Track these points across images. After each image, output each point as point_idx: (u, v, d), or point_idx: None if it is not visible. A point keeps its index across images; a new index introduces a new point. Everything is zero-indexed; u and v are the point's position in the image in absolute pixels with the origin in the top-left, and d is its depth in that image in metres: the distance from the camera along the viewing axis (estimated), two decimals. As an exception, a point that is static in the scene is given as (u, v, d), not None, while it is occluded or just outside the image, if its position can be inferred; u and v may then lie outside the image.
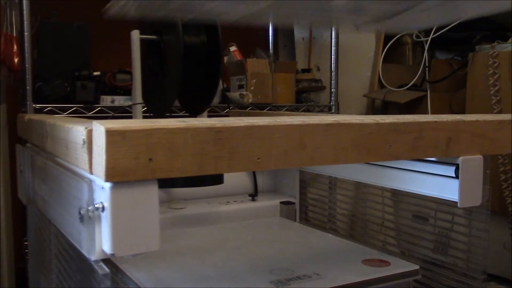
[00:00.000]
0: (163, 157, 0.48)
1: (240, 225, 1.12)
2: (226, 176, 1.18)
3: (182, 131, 0.48)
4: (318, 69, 1.91)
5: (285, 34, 2.04)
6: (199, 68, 1.25)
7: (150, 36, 1.23)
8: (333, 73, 1.68)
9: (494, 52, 1.44)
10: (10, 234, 1.28)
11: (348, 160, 0.59)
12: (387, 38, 1.82)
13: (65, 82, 1.33)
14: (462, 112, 1.56)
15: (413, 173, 0.81)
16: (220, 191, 1.25)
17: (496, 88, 1.44)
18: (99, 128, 0.47)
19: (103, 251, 0.49)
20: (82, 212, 0.51)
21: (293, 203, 1.23)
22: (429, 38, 1.69)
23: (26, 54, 1.20)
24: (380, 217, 1.10)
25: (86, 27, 1.53)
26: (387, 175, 0.86)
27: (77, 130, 0.53)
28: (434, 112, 1.64)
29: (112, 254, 0.48)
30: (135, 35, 1.18)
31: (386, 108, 1.81)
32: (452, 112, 1.67)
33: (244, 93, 1.47)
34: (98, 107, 1.38)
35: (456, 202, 0.72)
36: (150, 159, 0.47)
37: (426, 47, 1.71)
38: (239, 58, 1.66)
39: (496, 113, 1.42)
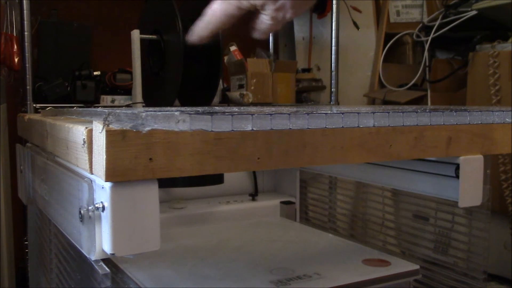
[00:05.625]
0: (163, 157, 0.48)
1: (240, 225, 1.12)
2: (226, 176, 1.18)
3: (182, 130, 0.48)
4: (319, 69, 1.91)
5: (285, 34, 2.04)
6: (199, 67, 1.25)
7: (151, 36, 1.23)
8: (333, 73, 1.68)
9: (495, 51, 1.44)
10: (10, 234, 1.28)
11: (348, 160, 0.59)
12: (388, 37, 1.82)
13: (65, 82, 1.33)
14: (462, 111, 1.55)
15: (413, 173, 0.81)
16: (220, 191, 1.25)
17: (497, 87, 1.43)
18: (99, 128, 0.47)
19: (103, 251, 0.49)
20: (82, 212, 0.51)
21: (293, 203, 1.23)
22: (430, 38, 1.69)
23: (26, 54, 1.20)
24: (380, 216, 1.10)
25: (86, 27, 1.53)
26: (387, 174, 0.86)
27: (78, 130, 0.53)
28: (434, 111, 1.64)
29: (112, 254, 0.48)
30: (135, 34, 1.18)
31: (386, 107, 1.81)
32: (452, 111, 1.66)
33: (244, 92, 1.47)
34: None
35: (456, 202, 0.72)
36: (150, 159, 0.47)
37: (427, 47, 1.71)
38: (239, 58, 1.66)
39: (496, 112, 1.42)
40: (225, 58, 1.67)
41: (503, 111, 0.71)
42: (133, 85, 1.23)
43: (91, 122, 0.51)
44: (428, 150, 0.66)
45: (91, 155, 0.50)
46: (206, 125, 0.47)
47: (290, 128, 0.53)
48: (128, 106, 1.40)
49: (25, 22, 1.19)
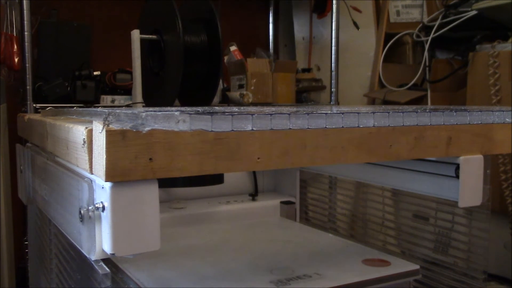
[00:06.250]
0: (163, 157, 0.48)
1: (240, 225, 1.12)
2: (226, 176, 1.18)
3: (182, 130, 0.48)
4: (318, 69, 1.91)
5: (285, 34, 2.04)
6: (199, 67, 1.25)
7: (151, 36, 1.23)
8: (333, 73, 1.68)
9: (495, 51, 1.44)
10: (10, 234, 1.28)
11: (348, 160, 0.59)
12: (388, 37, 1.82)
13: (65, 82, 1.33)
14: (462, 111, 1.55)
15: (413, 173, 0.81)
16: (220, 191, 1.25)
17: (497, 87, 1.43)
18: (99, 128, 0.47)
19: (103, 251, 0.49)
20: (82, 212, 0.51)
21: (293, 203, 1.23)
22: (430, 38, 1.69)
23: (26, 54, 1.20)
24: (380, 216, 1.10)
25: (86, 27, 1.53)
26: (387, 174, 0.86)
27: (78, 130, 0.53)
28: (434, 111, 1.64)
29: (113, 254, 0.48)
30: (135, 34, 1.18)
31: (386, 107, 1.80)
32: (452, 111, 1.66)
33: (244, 92, 1.47)
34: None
35: (456, 202, 0.72)
36: (150, 159, 0.47)
37: (427, 47, 1.71)
38: (239, 58, 1.66)
39: (496, 112, 1.42)
40: (225, 58, 1.67)
41: (503, 111, 0.71)
42: (133, 85, 1.23)
43: (91, 122, 0.51)
44: (428, 150, 0.66)
45: (91, 155, 0.50)
46: (206, 125, 0.47)
47: (290, 128, 0.53)
48: (128, 106, 1.40)
49: (25, 22, 1.19)
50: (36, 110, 1.23)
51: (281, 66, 1.61)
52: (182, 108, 0.67)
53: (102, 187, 0.48)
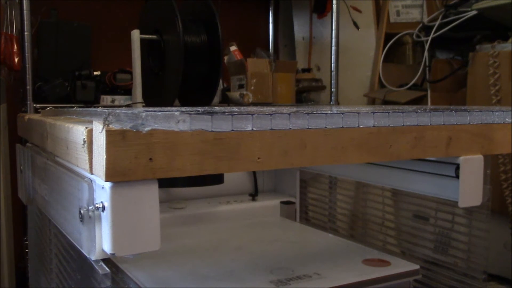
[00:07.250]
0: (163, 157, 0.48)
1: (240, 225, 1.12)
2: (226, 176, 1.18)
3: (182, 130, 0.48)
4: (318, 69, 1.91)
5: (285, 34, 2.04)
6: (199, 67, 1.25)
7: (151, 36, 1.23)
8: (333, 73, 1.68)
9: (495, 51, 1.44)
10: (10, 234, 1.28)
11: (348, 160, 0.59)
12: (388, 37, 1.82)
13: (65, 82, 1.33)
14: (462, 111, 1.55)
15: (413, 173, 0.81)
16: (220, 191, 1.25)
17: (497, 87, 1.43)
18: (100, 128, 0.47)
19: (103, 251, 0.49)
20: (82, 212, 0.51)
21: (293, 203, 1.23)
22: (430, 38, 1.69)
23: (26, 54, 1.20)
24: (381, 216, 1.10)
25: (86, 27, 1.53)
26: (387, 174, 0.86)
27: (78, 130, 0.53)
28: (434, 111, 1.64)
29: (113, 254, 0.48)
30: (135, 34, 1.18)
31: (386, 107, 1.80)
32: (452, 111, 1.66)
33: (244, 92, 1.47)
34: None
35: (457, 202, 0.72)
36: (150, 159, 0.47)
37: (427, 47, 1.71)
38: (239, 58, 1.66)
39: (496, 112, 1.42)
40: (225, 58, 1.67)
41: (503, 111, 0.71)
42: (133, 85, 1.23)
43: (91, 122, 0.51)
44: (428, 150, 0.66)
45: (91, 155, 0.50)
46: (206, 125, 0.47)
47: (290, 128, 0.53)
48: (128, 106, 1.40)
49: (25, 22, 1.19)
50: (36, 110, 1.23)
51: (281, 66, 1.61)
52: (182, 108, 0.67)
53: (102, 187, 0.48)
